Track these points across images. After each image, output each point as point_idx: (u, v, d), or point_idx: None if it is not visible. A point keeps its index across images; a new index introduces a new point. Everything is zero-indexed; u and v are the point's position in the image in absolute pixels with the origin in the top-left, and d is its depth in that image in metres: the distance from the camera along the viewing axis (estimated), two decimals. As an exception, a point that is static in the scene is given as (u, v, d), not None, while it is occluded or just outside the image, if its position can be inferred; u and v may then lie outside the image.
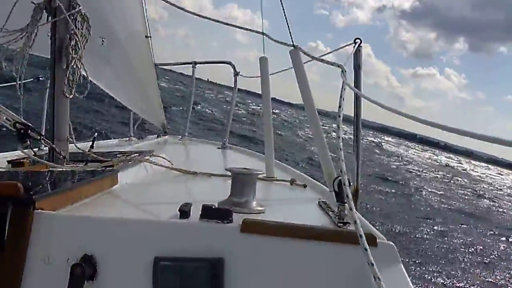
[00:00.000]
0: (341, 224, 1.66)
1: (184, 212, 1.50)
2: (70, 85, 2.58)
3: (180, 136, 5.67)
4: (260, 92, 2.77)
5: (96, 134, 3.21)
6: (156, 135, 5.47)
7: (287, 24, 2.49)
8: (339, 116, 1.67)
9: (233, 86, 5.20)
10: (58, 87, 2.54)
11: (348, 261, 1.39)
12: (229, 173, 2.56)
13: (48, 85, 2.80)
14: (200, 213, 1.43)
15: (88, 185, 1.81)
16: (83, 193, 1.74)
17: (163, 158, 2.90)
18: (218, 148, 4.80)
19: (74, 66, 2.58)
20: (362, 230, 1.31)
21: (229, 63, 5.31)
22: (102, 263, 1.35)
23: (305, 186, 2.54)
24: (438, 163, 54.59)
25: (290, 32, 2.44)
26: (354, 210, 1.43)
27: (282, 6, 2.59)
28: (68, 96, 2.57)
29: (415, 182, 26.14)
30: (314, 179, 2.70)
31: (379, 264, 1.33)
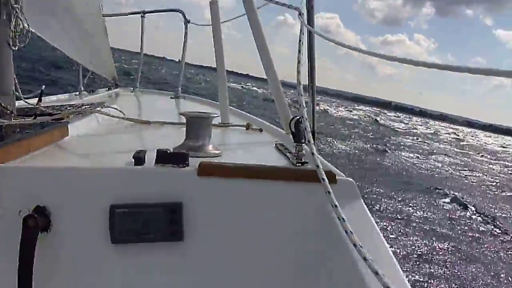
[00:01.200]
0: (299, 164, 1.66)
1: (139, 158, 1.47)
2: (14, 36, 2.49)
3: (132, 88, 5.56)
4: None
5: (43, 86, 3.09)
6: (107, 88, 5.34)
7: None
8: (299, 62, 1.64)
9: (183, 35, 5.07)
10: (2, 38, 2.44)
11: (308, 199, 1.43)
12: (183, 122, 2.58)
13: None
14: (155, 158, 1.42)
15: (38, 136, 1.76)
16: (32, 145, 1.69)
17: (114, 109, 2.86)
18: (171, 98, 4.74)
19: (16, 16, 2.49)
20: (321, 167, 1.32)
21: (179, 11, 5.17)
22: (56, 214, 1.33)
23: (261, 130, 2.57)
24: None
25: None
26: (314, 147, 1.43)
27: None
28: (13, 48, 2.48)
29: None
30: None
31: (339, 200, 1.36)
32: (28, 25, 2.55)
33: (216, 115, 1.89)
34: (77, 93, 5.04)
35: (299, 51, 1.67)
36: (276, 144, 2.14)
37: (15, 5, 2.47)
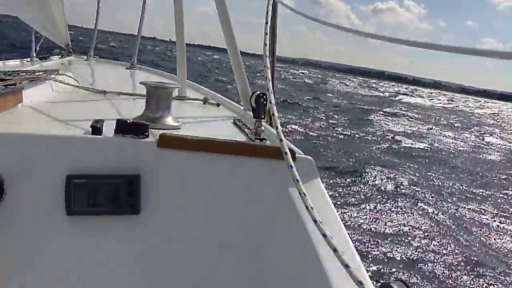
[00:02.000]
0: (258, 140, 1.65)
1: (96, 128, 1.42)
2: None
3: (86, 57, 5.38)
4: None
5: None
6: (60, 55, 5.14)
7: None
8: (266, 33, 1.60)
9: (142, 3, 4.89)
10: None
11: (268, 175, 1.43)
12: (139, 93, 2.52)
13: None
14: (114, 128, 1.39)
15: None
16: None
17: (69, 77, 2.76)
18: (126, 68, 4.62)
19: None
20: (284, 144, 1.31)
21: None
22: (10, 183, 1.28)
23: (218, 105, 2.54)
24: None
25: None
26: (278, 121, 1.40)
27: None
28: None
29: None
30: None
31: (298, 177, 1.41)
32: None
33: (177, 86, 1.85)
34: (29, 59, 4.83)
35: (266, 22, 1.64)
36: (234, 120, 2.12)
37: None
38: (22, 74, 2.73)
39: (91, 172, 1.32)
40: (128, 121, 1.40)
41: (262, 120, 1.72)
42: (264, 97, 1.67)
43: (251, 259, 1.42)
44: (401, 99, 48.92)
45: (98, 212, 1.33)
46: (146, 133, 1.40)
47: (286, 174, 1.38)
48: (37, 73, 2.71)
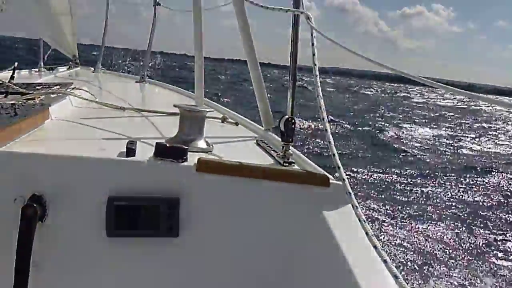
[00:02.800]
0: (287, 164, 1.67)
1: (132, 150, 1.45)
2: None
3: (93, 68, 5.41)
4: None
5: (16, 63, 2.96)
6: (68, 66, 5.17)
7: None
8: (315, 65, 1.62)
9: (152, 17, 4.94)
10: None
11: (301, 200, 1.45)
12: (157, 109, 2.55)
13: None
14: (154, 151, 1.41)
15: (25, 120, 1.70)
16: (21, 129, 1.64)
17: (85, 91, 2.80)
18: (136, 82, 4.65)
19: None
20: (316, 171, 1.36)
21: None
22: (52, 203, 1.30)
23: (237, 124, 2.56)
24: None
25: None
26: (335, 152, 1.40)
27: None
28: None
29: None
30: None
31: (331, 203, 1.43)
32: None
33: (210, 110, 1.88)
34: (37, 69, 4.85)
35: (313, 54, 1.65)
36: (257, 141, 2.14)
37: None
38: (39, 87, 2.75)
39: (131, 194, 1.35)
40: (167, 145, 1.43)
41: (290, 144, 1.75)
42: (293, 121, 1.71)
43: (284, 282, 1.44)
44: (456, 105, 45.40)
45: (138, 234, 1.35)
46: (185, 157, 1.42)
47: (320, 199, 1.43)
48: (54, 87, 2.73)
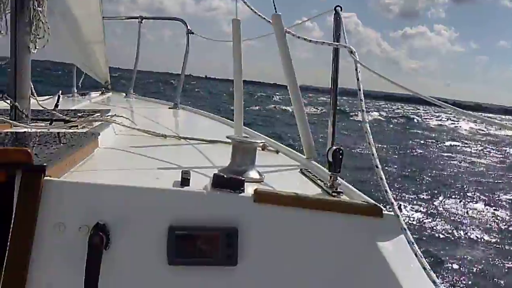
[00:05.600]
0: (335, 194, 1.71)
1: (186, 180, 1.49)
2: (34, 40, 2.44)
3: (125, 94, 5.51)
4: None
5: (60, 92, 3.05)
6: (100, 92, 5.27)
7: None
8: (361, 100, 1.66)
9: (185, 45, 5.03)
10: (22, 42, 2.39)
11: (355, 231, 1.46)
12: (197, 137, 2.60)
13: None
14: (211, 182, 1.45)
15: (81, 149, 1.78)
16: (75, 159, 1.71)
17: (126, 118, 2.85)
18: (170, 108, 4.73)
19: (38, 19, 2.44)
20: (368, 201, 1.39)
21: (181, 20, 5.14)
22: (114, 232, 1.33)
23: (277, 152, 2.58)
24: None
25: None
26: (387, 188, 1.44)
27: None
28: (32, 51, 2.43)
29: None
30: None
31: (385, 234, 1.43)
32: (48, 28, 2.51)
33: (262, 141, 1.90)
34: (71, 95, 4.95)
35: (359, 89, 1.69)
36: (301, 170, 2.17)
37: (38, 8, 2.42)
38: (79, 114, 2.82)
39: (191, 223, 1.37)
40: (225, 176, 1.45)
41: (338, 174, 1.77)
42: (340, 151, 1.74)
43: None
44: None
45: (198, 262, 1.37)
46: (242, 188, 1.45)
47: (374, 229, 1.44)
48: (94, 114, 2.80)
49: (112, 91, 5.45)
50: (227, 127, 3.57)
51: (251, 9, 2.67)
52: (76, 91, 5.11)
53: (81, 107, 3.84)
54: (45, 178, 1.34)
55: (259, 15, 2.54)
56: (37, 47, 2.46)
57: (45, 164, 1.35)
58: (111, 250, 1.32)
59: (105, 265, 1.28)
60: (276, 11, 2.34)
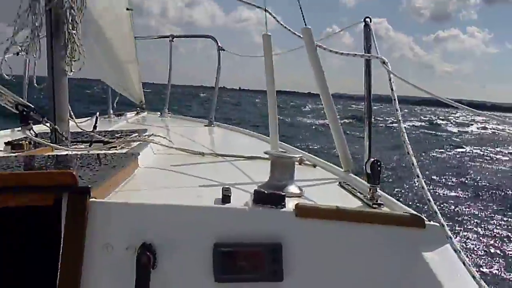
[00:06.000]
0: (376, 206, 1.71)
1: (227, 197, 1.52)
2: (70, 62, 2.48)
3: (159, 113, 5.59)
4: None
5: (98, 113, 3.11)
6: (135, 112, 5.36)
7: (298, 2, 2.42)
8: (397, 110, 1.68)
9: (217, 62, 5.08)
10: (58, 65, 2.44)
11: (397, 242, 1.43)
12: (233, 153, 2.59)
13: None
14: (253, 198, 1.44)
15: (123, 170, 1.81)
16: (118, 179, 1.74)
17: (163, 137, 2.87)
18: (205, 125, 4.77)
19: (73, 42, 2.48)
20: (410, 212, 1.38)
21: (211, 37, 5.20)
22: (161, 251, 1.34)
23: (314, 166, 2.56)
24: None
25: (301, 11, 2.36)
26: (430, 197, 1.52)
27: None
28: (68, 73, 2.48)
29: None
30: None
31: (428, 245, 1.41)
32: (83, 50, 2.55)
33: (299, 156, 1.89)
34: (107, 115, 5.05)
35: (394, 99, 1.71)
36: (340, 183, 2.15)
37: (72, 31, 2.47)
38: (117, 135, 2.86)
39: (235, 240, 1.37)
40: (266, 192, 1.45)
41: (377, 186, 1.79)
42: (379, 163, 1.78)
43: None
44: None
45: (244, 279, 1.36)
46: (283, 203, 1.43)
47: (418, 240, 1.42)
48: (132, 135, 2.83)
49: (147, 110, 5.53)
50: (262, 142, 3.58)
51: (281, 24, 2.68)
52: (111, 111, 5.21)
53: (118, 127, 3.91)
54: (91, 199, 1.35)
55: (289, 30, 2.54)
56: (73, 70, 2.51)
57: (90, 185, 1.37)
58: (158, 269, 1.33)
59: (153, 285, 1.30)
60: (305, 24, 2.32)
